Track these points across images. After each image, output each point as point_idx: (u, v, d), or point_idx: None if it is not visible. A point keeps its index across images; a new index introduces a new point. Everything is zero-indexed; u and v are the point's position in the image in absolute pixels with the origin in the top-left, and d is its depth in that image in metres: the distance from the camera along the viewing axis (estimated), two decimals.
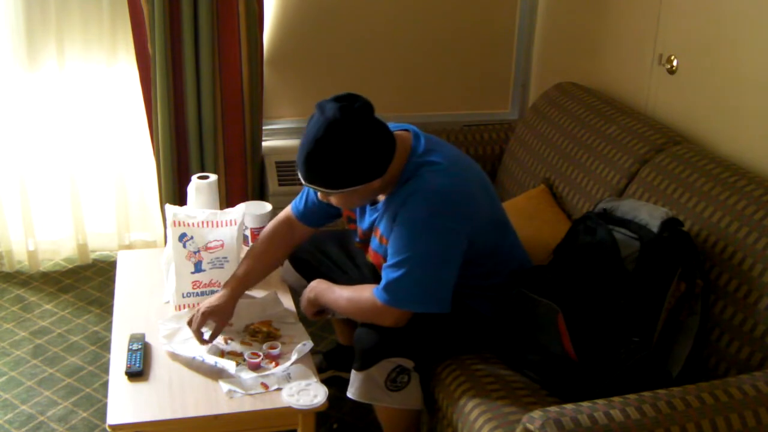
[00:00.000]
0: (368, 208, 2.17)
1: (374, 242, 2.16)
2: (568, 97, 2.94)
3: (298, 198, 2.36)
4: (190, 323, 2.17)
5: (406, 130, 2.11)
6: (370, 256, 2.23)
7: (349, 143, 1.91)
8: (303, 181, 2.00)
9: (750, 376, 1.82)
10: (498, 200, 2.22)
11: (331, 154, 1.91)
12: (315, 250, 2.49)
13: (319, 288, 2.23)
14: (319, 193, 2.05)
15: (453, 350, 2.17)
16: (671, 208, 2.22)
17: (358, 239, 2.28)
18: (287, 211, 2.38)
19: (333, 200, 2.04)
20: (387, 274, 2.02)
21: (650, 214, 2.04)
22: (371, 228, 2.17)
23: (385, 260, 2.07)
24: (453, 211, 1.99)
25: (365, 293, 2.07)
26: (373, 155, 1.94)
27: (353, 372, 2.08)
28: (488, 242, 2.11)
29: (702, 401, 1.71)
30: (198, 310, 2.17)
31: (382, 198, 2.11)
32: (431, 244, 1.99)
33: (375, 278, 2.14)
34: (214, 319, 2.17)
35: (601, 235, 2.03)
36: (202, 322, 2.15)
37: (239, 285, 2.25)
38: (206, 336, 2.16)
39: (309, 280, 2.30)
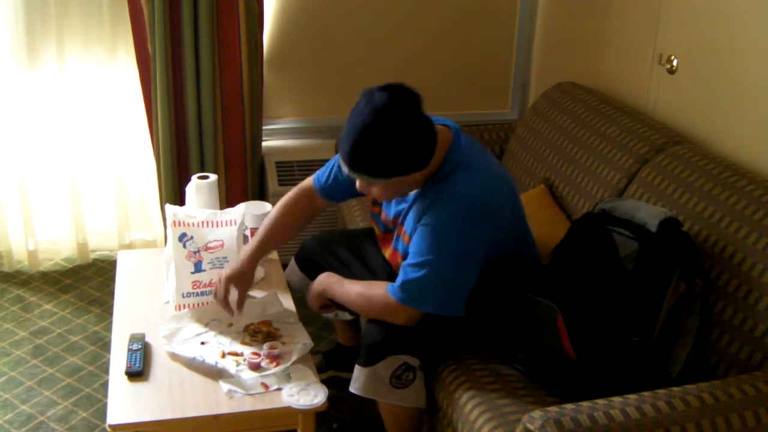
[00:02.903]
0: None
1: (399, 243, 2.16)
2: (568, 97, 2.94)
3: (321, 171, 2.34)
4: (215, 295, 2.22)
5: (445, 125, 2.09)
6: (389, 255, 2.23)
7: (397, 131, 1.89)
8: (347, 171, 1.97)
9: (750, 376, 1.82)
10: (522, 208, 2.20)
11: (380, 141, 1.89)
12: (323, 250, 2.48)
13: (328, 281, 2.23)
14: (358, 183, 2.02)
15: (460, 351, 2.17)
16: (671, 208, 2.22)
17: (381, 225, 2.27)
18: (308, 182, 2.37)
19: (374, 190, 2.01)
20: (406, 273, 2.01)
21: (649, 214, 2.04)
22: (396, 218, 2.17)
23: (404, 260, 2.07)
24: (480, 221, 1.99)
25: (378, 289, 2.07)
26: (419, 145, 1.93)
27: (357, 367, 2.08)
28: (508, 250, 2.11)
29: (702, 401, 1.72)
30: (219, 279, 2.20)
31: (413, 190, 2.09)
32: (454, 250, 1.98)
33: (387, 279, 2.13)
34: (237, 285, 2.21)
35: (600, 236, 2.03)
36: (227, 288, 2.19)
37: (258, 250, 2.27)
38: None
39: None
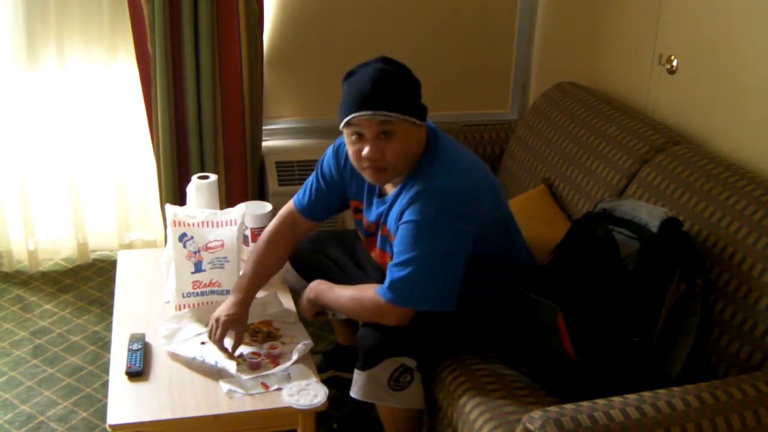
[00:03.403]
0: (376, 199, 2.18)
1: (386, 243, 2.16)
2: (568, 97, 2.94)
3: (300, 193, 2.35)
4: (210, 336, 2.16)
5: None
6: (376, 256, 2.23)
7: (407, 71, 2.06)
8: (368, 115, 1.96)
9: (750, 376, 1.82)
10: (505, 201, 2.22)
11: (398, 76, 2.03)
12: (316, 251, 2.49)
13: (319, 288, 2.23)
14: (370, 148, 1.98)
15: (456, 350, 2.17)
16: (671, 208, 2.22)
17: (364, 231, 2.28)
18: (289, 207, 2.37)
19: (392, 144, 1.98)
20: (392, 273, 2.02)
21: (650, 214, 2.04)
22: (378, 220, 2.17)
23: (391, 259, 2.08)
24: (460, 212, 2.00)
25: (368, 292, 2.07)
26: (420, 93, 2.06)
27: (356, 371, 2.08)
28: (493, 243, 2.11)
29: (702, 401, 1.72)
30: (216, 321, 2.15)
31: (390, 190, 2.11)
32: (438, 244, 1.99)
33: (380, 278, 2.14)
34: (234, 328, 2.16)
35: (600, 235, 2.03)
36: (225, 332, 2.14)
37: (249, 289, 2.24)
38: (226, 345, 2.16)
39: (310, 281, 2.30)
